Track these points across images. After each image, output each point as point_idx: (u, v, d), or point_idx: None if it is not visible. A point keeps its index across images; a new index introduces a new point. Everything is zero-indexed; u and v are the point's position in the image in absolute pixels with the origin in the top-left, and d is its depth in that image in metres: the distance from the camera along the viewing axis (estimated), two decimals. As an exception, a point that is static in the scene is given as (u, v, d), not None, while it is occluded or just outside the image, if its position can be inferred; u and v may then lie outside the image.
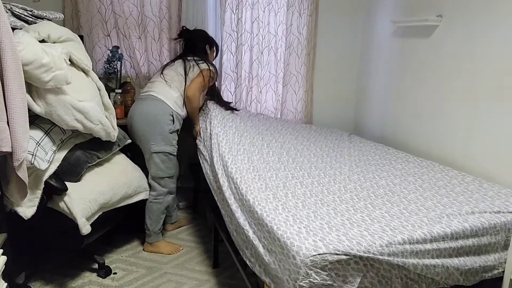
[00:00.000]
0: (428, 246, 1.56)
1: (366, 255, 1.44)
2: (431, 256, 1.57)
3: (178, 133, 2.65)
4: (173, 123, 2.56)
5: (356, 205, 1.81)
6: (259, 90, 3.38)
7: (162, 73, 2.69)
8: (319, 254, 1.38)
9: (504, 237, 1.74)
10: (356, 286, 1.44)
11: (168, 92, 2.59)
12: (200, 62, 2.71)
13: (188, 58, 2.73)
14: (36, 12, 2.15)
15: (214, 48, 2.92)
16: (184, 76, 2.65)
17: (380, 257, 1.46)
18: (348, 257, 1.42)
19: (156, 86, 2.62)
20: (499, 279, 1.73)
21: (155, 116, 2.51)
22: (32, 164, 1.83)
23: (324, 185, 2.04)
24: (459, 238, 1.63)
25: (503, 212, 1.79)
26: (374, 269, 1.48)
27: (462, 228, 1.65)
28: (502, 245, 1.74)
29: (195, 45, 2.81)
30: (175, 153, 2.60)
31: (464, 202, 1.89)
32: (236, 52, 3.21)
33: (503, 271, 1.74)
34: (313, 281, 1.38)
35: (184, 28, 2.90)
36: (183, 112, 2.66)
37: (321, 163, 2.40)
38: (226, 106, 2.94)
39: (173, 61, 2.77)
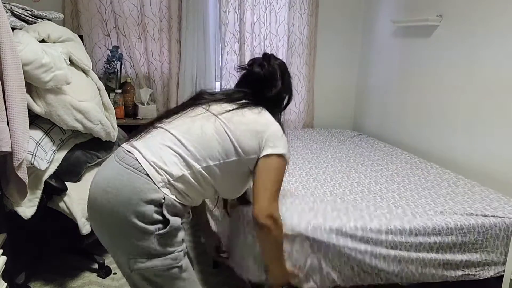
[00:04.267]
0: (383, 237, 1.61)
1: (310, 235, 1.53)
2: (385, 247, 1.62)
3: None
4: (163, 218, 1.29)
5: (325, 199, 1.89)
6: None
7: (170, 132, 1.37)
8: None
9: (473, 239, 1.71)
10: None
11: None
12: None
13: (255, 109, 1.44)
14: (36, 12, 2.15)
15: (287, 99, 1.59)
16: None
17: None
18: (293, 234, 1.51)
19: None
20: (499, 279, 1.72)
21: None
22: (32, 164, 1.82)
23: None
24: (419, 235, 1.65)
25: (476, 215, 1.77)
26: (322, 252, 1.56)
27: (423, 226, 1.67)
28: (469, 248, 1.72)
29: (269, 88, 1.49)
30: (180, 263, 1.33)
31: (441, 203, 1.88)
32: (239, 52, 3.21)
33: (471, 275, 1.73)
34: None
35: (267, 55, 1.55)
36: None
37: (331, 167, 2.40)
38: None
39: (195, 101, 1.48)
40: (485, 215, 1.77)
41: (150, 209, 1.24)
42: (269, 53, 1.55)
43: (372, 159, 2.56)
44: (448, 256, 1.69)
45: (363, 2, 3.49)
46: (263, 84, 1.48)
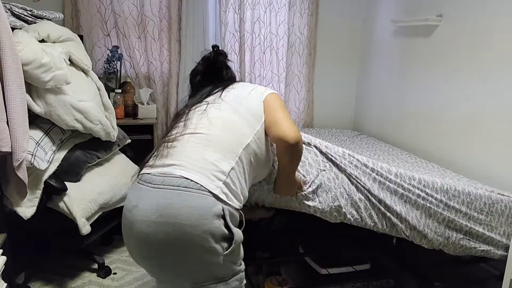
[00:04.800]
0: (392, 177, 1.66)
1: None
2: (394, 183, 1.65)
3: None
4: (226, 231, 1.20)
5: None
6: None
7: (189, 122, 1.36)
8: None
9: (478, 208, 1.75)
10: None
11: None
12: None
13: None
14: (35, 12, 2.14)
15: None
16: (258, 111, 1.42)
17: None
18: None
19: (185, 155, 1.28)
20: (500, 278, 1.73)
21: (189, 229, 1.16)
22: (31, 164, 1.82)
23: None
24: (426, 187, 1.68)
25: (483, 189, 1.84)
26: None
27: (432, 181, 1.71)
28: (474, 217, 1.75)
29: (222, 71, 1.61)
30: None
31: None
32: (239, 52, 3.21)
33: (473, 242, 1.75)
34: None
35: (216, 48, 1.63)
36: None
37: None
38: None
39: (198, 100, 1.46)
40: (491, 191, 1.82)
41: (217, 223, 1.15)
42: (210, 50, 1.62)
43: (373, 158, 2.56)
44: (453, 215, 1.71)
45: (363, 2, 3.49)
46: (220, 70, 1.57)
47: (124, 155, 2.52)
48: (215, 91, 1.46)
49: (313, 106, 3.55)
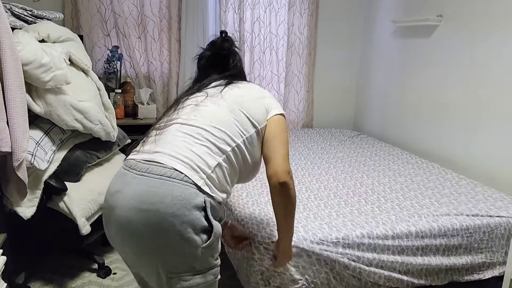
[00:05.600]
0: (389, 242, 1.60)
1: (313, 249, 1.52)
2: (391, 252, 1.61)
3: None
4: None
5: (329, 202, 1.87)
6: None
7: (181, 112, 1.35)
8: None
9: (478, 239, 1.72)
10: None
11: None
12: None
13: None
14: (35, 12, 2.14)
15: None
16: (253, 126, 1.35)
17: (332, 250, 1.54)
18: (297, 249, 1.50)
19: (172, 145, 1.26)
20: (500, 278, 1.72)
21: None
22: (31, 164, 1.82)
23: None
24: (425, 237, 1.65)
25: (481, 216, 1.78)
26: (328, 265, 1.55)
27: (429, 228, 1.66)
28: (475, 248, 1.73)
29: (229, 61, 1.55)
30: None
31: (445, 204, 1.88)
32: (239, 52, 3.21)
33: (475, 273, 1.74)
34: None
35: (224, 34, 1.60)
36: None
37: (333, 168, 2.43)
38: None
39: (197, 88, 1.44)
40: (490, 215, 1.78)
41: (198, 215, 1.15)
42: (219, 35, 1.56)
43: (374, 159, 2.56)
44: (454, 260, 1.69)
45: (363, 2, 3.49)
46: (226, 57, 1.51)
47: (124, 155, 2.52)
48: (217, 83, 1.42)
49: (313, 106, 3.56)
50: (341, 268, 1.54)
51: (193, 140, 1.24)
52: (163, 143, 1.25)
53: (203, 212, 1.17)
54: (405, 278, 1.62)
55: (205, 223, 1.17)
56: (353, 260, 1.55)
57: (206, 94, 1.37)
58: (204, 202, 1.17)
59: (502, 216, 1.78)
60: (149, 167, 1.19)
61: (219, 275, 1.26)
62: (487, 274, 1.75)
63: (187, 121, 1.29)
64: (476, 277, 1.74)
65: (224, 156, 1.26)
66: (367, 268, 1.56)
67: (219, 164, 1.24)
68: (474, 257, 1.73)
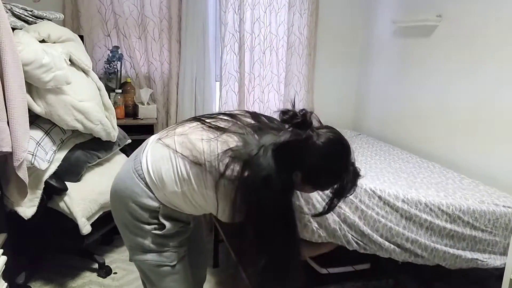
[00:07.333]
0: (399, 204, 1.69)
1: None
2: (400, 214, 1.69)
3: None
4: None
5: None
6: (262, 90, 3.38)
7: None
8: None
9: (483, 225, 1.76)
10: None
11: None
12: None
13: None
14: (36, 12, 2.15)
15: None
16: None
17: None
18: None
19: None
20: (499, 279, 1.73)
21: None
22: (32, 164, 1.83)
23: None
24: (433, 209, 1.71)
25: (487, 203, 1.83)
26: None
27: (439, 202, 1.74)
28: (479, 232, 1.76)
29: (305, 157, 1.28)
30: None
31: (451, 194, 1.91)
32: (239, 52, 3.21)
33: (479, 260, 1.75)
34: None
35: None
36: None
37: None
38: None
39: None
40: (496, 204, 1.82)
41: (145, 215, 1.30)
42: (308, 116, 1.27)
43: (374, 158, 2.56)
44: (457, 228, 1.73)
45: (363, 2, 3.49)
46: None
47: (124, 155, 2.53)
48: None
49: (313, 107, 3.55)
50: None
51: (165, 160, 1.36)
52: (151, 151, 1.39)
53: (154, 214, 1.33)
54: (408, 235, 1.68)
55: (154, 221, 1.32)
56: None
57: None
58: (159, 208, 1.32)
59: (508, 207, 1.82)
60: (136, 156, 1.41)
61: (175, 262, 1.36)
62: (490, 263, 1.77)
63: (185, 131, 1.38)
64: (480, 264, 1.76)
65: (186, 187, 1.31)
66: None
67: (177, 192, 1.34)
68: (479, 233, 1.76)
